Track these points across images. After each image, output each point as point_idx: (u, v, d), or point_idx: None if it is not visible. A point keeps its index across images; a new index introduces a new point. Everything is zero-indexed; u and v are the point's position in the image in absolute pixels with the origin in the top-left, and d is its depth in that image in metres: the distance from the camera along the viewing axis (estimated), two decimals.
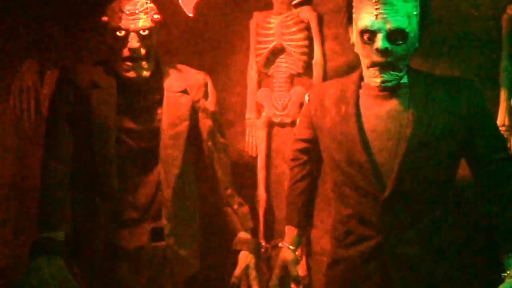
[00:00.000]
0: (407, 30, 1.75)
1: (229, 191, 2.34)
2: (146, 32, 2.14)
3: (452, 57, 2.20)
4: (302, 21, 2.47)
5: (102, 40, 2.24)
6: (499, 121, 2.10)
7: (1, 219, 3.04)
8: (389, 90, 1.84)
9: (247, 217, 2.35)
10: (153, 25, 2.16)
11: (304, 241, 2.41)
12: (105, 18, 2.16)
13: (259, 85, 2.61)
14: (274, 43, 2.52)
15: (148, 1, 2.18)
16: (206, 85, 2.35)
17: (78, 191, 2.15)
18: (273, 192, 2.59)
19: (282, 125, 2.56)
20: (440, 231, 1.83)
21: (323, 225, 2.40)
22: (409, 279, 1.80)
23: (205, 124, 2.31)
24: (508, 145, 2.05)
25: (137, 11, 2.13)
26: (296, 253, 2.10)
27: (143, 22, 2.13)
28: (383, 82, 1.80)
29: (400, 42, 1.76)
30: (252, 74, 2.61)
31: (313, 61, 2.47)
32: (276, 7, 2.52)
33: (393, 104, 1.83)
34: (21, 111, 3.17)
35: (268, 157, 2.60)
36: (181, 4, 2.16)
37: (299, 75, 2.53)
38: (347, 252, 1.90)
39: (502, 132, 2.02)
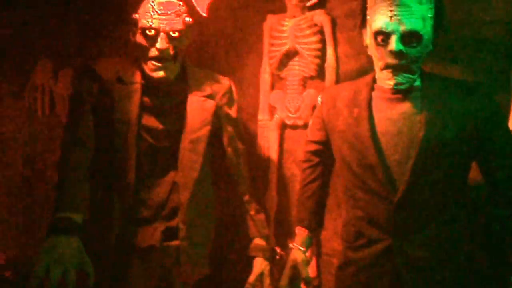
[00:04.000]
0: (421, 33, 1.73)
1: (246, 197, 2.33)
2: (176, 34, 2.11)
3: (464, 61, 2.17)
4: (315, 25, 2.45)
5: (127, 37, 2.22)
6: (511, 125, 2.05)
7: (11, 214, 3.08)
8: (402, 93, 1.83)
9: (263, 224, 2.34)
10: (183, 27, 2.13)
11: (314, 242, 2.40)
12: (136, 16, 2.15)
13: (272, 87, 2.60)
14: (287, 46, 2.50)
15: (181, 3, 2.16)
16: (230, 91, 2.35)
17: (95, 184, 2.12)
18: (284, 193, 2.57)
19: (294, 127, 2.55)
20: (451, 235, 1.81)
21: (333, 227, 2.39)
22: (419, 282, 1.78)
23: (227, 130, 2.31)
24: None
25: (169, 12, 2.10)
26: (307, 254, 2.09)
27: (174, 23, 2.10)
28: (396, 84, 1.80)
29: (414, 44, 1.74)
30: (265, 77, 2.60)
31: (326, 64, 2.44)
32: (290, 10, 2.51)
33: (405, 106, 1.82)
34: (35, 109, 3.19)
35: (280, 159, 2.59)
36: (195, 4, 2.15)
37: (312, 78, 2.51)
38: (357, 255, 1.90)
39: None
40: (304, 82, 2.53)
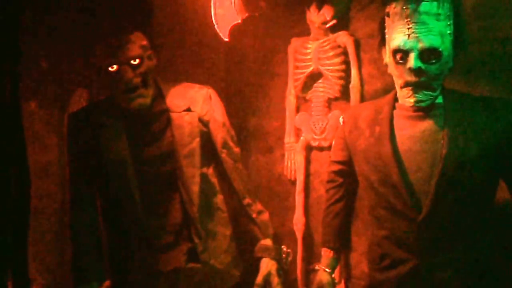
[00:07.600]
0: (440, 49, 1.71)
1: (246, 201, 2.31)
2: (137, 61, 2.12)
3: (490, 78, 2.12)
4: (339, 46, 2.45)
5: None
6: None
7: (46, 243, 3.13)
8: (423, 110, 1.81)
9: (267, 224, 2.32)
10: (141, 52, 2.14)
11: (343, 264, 2.38)
12: (93, 60, 2.17)
13: (297, 109, 2.60)
14: (311, 68, 2.50)
15: (131, 30, 2.16)
16: (210, 97, 2.33)
17: (109, 225, 2.24)
18: (312, 215, 2.55)
19: (320, 148, 2.53)
20: (478, 255, 1.77)
21: (362, 248, 2.34)
22: None
23: (217, 135, 2.30)
24: None
25: (123, 43, 2.10)
26: (333, 275, 2.07)
27: (131, 52, 2.10)
28: (417, 102, 1.77)
29: (434, 61, 1.73)
30: (290, 99, 2.60)
31: (350, 85, 2.42)
32: (313, 32, 2.51)
33: (427, 124, 1.80)
34: None
35: (307, 180, 2.57)
36: (217, 30, 2.18)
37: (336, 99, 2.49)
38: (383, 276, 1.87)
39: None
40: (329, 103, 2.51)
